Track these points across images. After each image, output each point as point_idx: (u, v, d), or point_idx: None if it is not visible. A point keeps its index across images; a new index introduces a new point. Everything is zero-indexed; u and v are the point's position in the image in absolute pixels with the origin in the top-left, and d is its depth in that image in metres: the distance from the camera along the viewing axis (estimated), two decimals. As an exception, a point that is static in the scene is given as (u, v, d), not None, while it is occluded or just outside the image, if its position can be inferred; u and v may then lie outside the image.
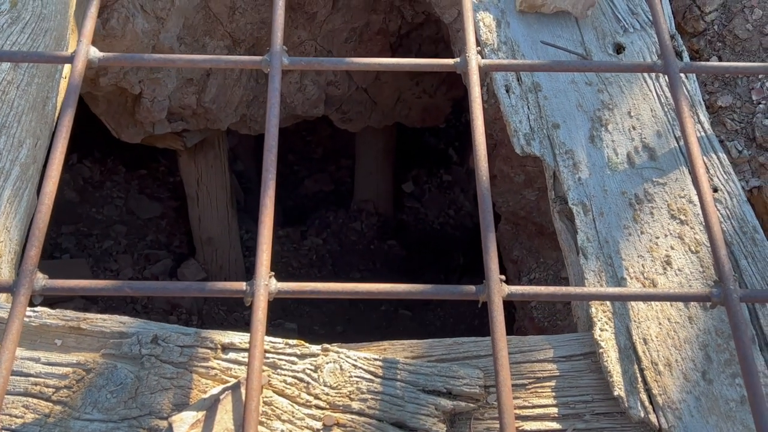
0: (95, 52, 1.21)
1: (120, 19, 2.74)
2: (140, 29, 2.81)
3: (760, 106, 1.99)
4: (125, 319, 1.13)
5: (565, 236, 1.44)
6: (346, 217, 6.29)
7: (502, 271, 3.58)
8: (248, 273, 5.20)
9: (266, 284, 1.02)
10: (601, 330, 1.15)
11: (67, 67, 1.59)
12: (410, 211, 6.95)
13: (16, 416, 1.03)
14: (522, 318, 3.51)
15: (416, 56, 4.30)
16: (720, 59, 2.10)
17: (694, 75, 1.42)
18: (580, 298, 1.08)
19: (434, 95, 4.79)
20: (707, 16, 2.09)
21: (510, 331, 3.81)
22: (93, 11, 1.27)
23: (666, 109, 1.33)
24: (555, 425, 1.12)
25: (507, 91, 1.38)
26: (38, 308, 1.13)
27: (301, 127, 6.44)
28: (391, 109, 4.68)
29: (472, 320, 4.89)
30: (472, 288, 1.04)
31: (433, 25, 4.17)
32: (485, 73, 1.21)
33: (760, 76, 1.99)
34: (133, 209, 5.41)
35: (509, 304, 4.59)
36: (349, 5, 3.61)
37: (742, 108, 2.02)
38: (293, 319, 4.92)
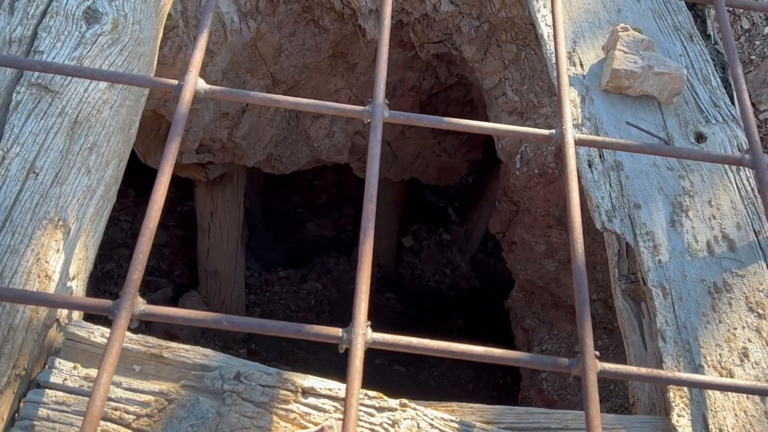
0: (202, 84, 1.22)
1: (173, 48, 2.76)
2: (189, 61, 2.83)
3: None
4: (208, 351, 1.11)
5: (627, 316, 1.44)
6: (347, 265, 6.28)
7: (512, 338, 3.55)
8: (248, 310, 5.15)
9: (364, 333, 1.01)
10: (679, 416, 1.15)
11: (145, 92, 1.60)
12: (407, 265, 6.94)
13: (94, 441, 1.00)
14: (528, 388, 3.49)
15: (443, 116, 4.36)
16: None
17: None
18: (672, 383, 1.07)
19: (454, 155, 4.84)
20: (761, 114, 2.14)
21: (515, 401, 3.76)
22: (202, 43, 1.29)
23: (746, 203, 1.35)
24: (626, 508, 1.11)
25: (589, 166, 1.40)
26: (119, 331, 1.11)
27: (308, 171, 6.48)
28: (410, 164, 4.72)
29: (467, 384, 4.86)
30: (565, 361, 1.04)
31: (462, 88, 4.23)
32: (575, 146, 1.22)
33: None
34: (138, 234, 5.36)
35: (515, 373, 4.57)
36: (388, 60, 3.66)
37: (790, 206, 2.05)
38: (288, 362, 4.86)
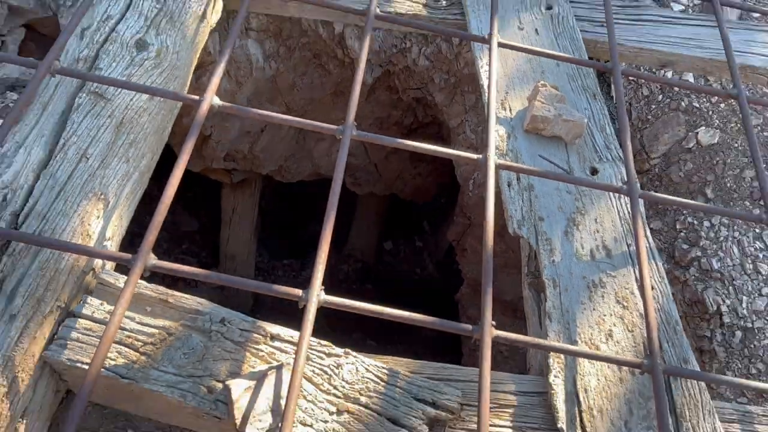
0: (217, 100, 1.27)
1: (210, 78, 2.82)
2: (223, 88, 2.89)
3: (681, 234, 2.09)
4: (202, 300, 1.17)
5: (530, 303, 1.50)
6: (337, 259, 6.32)
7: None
8: (256, 288, 5.16)
9: (318, 294, 1.06)
10: (555, 377, 1.20)
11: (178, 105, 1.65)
12: (387, 264, 6.99)
13: (110, 358, 1.05)
14: (468, 354, 3.54)
15: (419, 147, 4.42)
16: (656, 191, 2.21)
17: (644, 200, 1.51)
18: (552, 350, 1.13)
19: (426, 178, 4.90)
20: (652, 160, 2.21)
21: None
22: (220, 71, 1.34)
23: (622, 222, 1.42)
24: (510, 442, 1.16)
25: (508, 186, 1.46)
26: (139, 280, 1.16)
27: (315, 182, 6.51)
28: (392, 183, 4.78)
29: (426, 360, 4.88)
30: (469, 327, 1.10)
31: (435, 126, 4.29)
32: (497, 169, 1.29)
33: (684, 212, 2.10)
34: (177, 222, 5.41)
35: (461, 344, 4.61)
36: (378, 99, 3.73)
37: (668, 233, 2.12)
38: (284, 331, 4.89)
